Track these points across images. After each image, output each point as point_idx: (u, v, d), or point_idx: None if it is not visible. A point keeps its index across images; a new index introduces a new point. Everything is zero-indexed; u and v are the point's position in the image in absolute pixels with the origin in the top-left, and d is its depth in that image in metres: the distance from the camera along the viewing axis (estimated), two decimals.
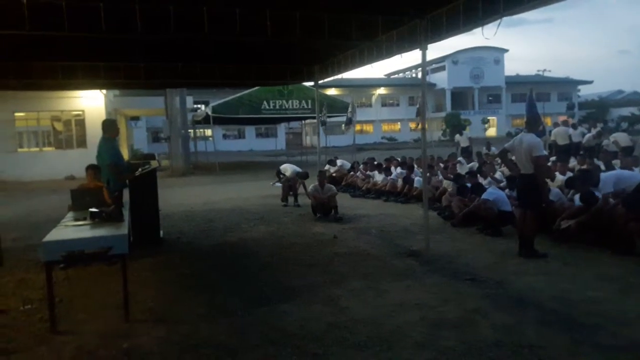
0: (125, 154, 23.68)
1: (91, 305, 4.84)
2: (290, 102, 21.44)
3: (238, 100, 21.16)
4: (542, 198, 6.49)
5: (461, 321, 4.15)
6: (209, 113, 20.88)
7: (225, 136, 50.23)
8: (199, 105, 33.13)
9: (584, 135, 16.83)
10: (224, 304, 4.78)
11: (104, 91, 20.18)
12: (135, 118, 35.59)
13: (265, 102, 21.13)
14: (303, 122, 34.34)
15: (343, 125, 22.74)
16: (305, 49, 8.04)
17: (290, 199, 11.11)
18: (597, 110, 52.19)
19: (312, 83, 11.10)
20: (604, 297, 4.61)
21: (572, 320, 4.10)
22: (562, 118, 39.41)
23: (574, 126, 17.59)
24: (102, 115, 18.91)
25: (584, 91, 67.21)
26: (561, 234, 6.63)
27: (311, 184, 9.81)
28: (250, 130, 51.41)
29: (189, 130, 25.99)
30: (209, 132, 35.30)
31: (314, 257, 6.44)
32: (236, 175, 20.12)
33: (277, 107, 21.47)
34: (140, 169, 7.85)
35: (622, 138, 14.95)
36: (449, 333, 3.92)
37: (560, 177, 8.45)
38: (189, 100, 25.05)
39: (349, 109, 21.14)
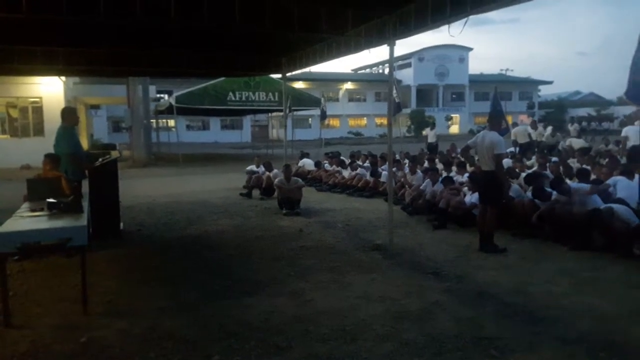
0: (85, 143, 22.98)
1: (47, 298, 4.69)
2: (256, 94, 21.23)
3: (203, 91, 20.81)
4: (503, 194, 6.67)
5: (423, 314, 4.22)
6: (173, 103, 20.45)
7: (189, 127, 49.44)
8: (162, 95, 32.47)
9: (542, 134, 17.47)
10: (186, 298, 4.71)
11: (63, 78, 19.48)
12: (96, 107, 34.65)
13: (231, 93, 20.86)
14: (270, 114, 34.11)
15: (320, 120, 22.70)
16: (274, 40, 7.97)
17: (255, 193, 11.06)
18: (556, 110, 53.92)
19: (279, 75, 11.04)
20: (561, 290, 4.77)
21: (531, 313, 4.23)
22: (522, 117, 40.57)
23: (534, 125, 18.16)
24: (61, 103, 18.26)
25: (544, 91, 69.36)
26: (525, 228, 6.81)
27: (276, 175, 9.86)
28: (215, 122, 50.76)
29: (151, 121, 25.46)
30: (172, 122, 34.64)
31: (279, 251, 6.42)
32: (200, 168, 19.84)
33: (244, 98, 21.22)
34: (100, 159, 7.65)
35: (576, 142, 15.57)
36: (411, 325, 3.98)
37: (522, 174, 8.70)
38: (152, 89, 24.50)
39: (322, 103, 21.09)
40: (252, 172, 11.54)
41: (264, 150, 26.62)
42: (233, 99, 21.03)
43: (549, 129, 17.80)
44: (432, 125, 20.34)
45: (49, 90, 19.84)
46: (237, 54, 9.33)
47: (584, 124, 39.39)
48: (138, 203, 10.26)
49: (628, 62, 6.68)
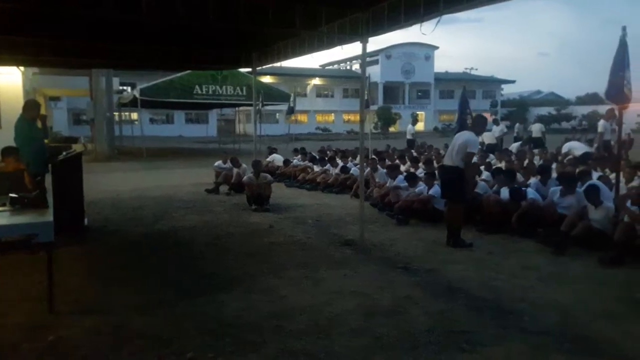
0: None
1: (11, 296, 4.52)
2: (224, 87, 20.98)
3: (169, 84, 20.44)
4: (467, 190, 6.77)
5: (395, 308, 4.28)
6: (137, 96, 19.99)
7: (152, 120, 48.32)
8: (125, 87, 31.66)
9: (503, 132, 18.12)
10: (157, 295, 4.62)
11: (22, 68, 18.72)
12: (56, 98, 33.52)
13: (197, 87, 20.55)
14: (237, 109, 33.73)
15: (285, 114, 22.66)
16: (245, 34, 7.89)
17: (222, 189, 10.95)
18: (518, 109, 55.37)
19: (249, 69, 10.94)
20: (527, 284, 4.91)
21: (499, 306, 4.34)
22: (486, 115, 41.59)
23: (496, 122, 18.72)
24: (19, 94, 17.55)
25: (507, 90, 71.06)
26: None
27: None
28: (179, 116, 49.87)
29: (114, 113, 24.84)
30: (134, 115, 33.85)
31: (250, 247, 6.38)
32: (165, 162, 19.50)
33: (210, 92, 20.93)
34: (64, 153, 7.41)
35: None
36: (383, 320, 4.03)
37: (485, 173, 8.97)
38: (115, 81, 23.90)
39: (291, 99, 21.10)
40: (220, 169, 11.41)
41: (231, 145, 26.32)
42: (199, 92, 20.73)
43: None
44: (414, 121, 20.94)
45: (6, 80, 18.96)
46: (207, 48, 9.18)
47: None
48: (102, 198, 10.01)
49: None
